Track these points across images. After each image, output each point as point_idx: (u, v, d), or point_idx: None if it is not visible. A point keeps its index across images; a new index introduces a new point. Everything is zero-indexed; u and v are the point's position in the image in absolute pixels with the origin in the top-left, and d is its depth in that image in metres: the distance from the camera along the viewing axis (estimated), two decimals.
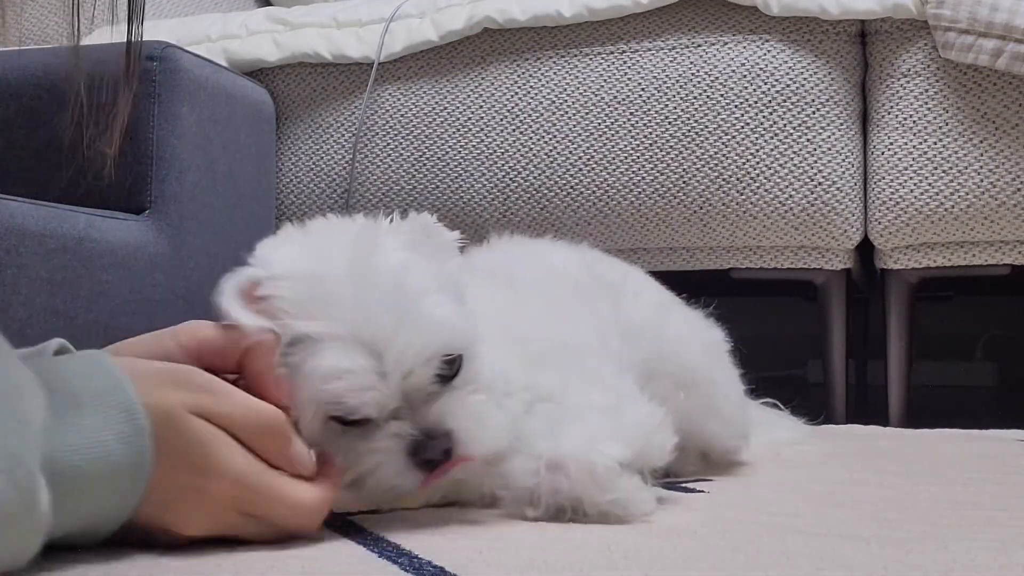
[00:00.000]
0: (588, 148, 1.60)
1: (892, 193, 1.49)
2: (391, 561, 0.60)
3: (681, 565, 0.60)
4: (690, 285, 1.10)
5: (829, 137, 1.50)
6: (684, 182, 1.55)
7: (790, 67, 1.52)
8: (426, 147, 1.69)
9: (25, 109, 1.48)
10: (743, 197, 1.53)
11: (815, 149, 1.50)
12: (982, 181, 1.45)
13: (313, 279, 0.66)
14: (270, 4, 2.33)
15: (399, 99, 1.71)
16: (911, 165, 1.48)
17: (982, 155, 1.45)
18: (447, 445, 0.66)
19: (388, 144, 1.71)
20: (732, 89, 1.54)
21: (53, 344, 0.68)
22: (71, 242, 1.28)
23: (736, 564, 0.61)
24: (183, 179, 1.49)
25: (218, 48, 1.76)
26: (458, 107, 1.68)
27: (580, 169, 1.60)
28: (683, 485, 0.91)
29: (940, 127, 1.47)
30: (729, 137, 1.53)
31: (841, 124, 1.51)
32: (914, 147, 1.48)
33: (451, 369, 0.68)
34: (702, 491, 0.88)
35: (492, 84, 1.66)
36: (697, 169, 1.55)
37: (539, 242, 1.05)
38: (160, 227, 1.44)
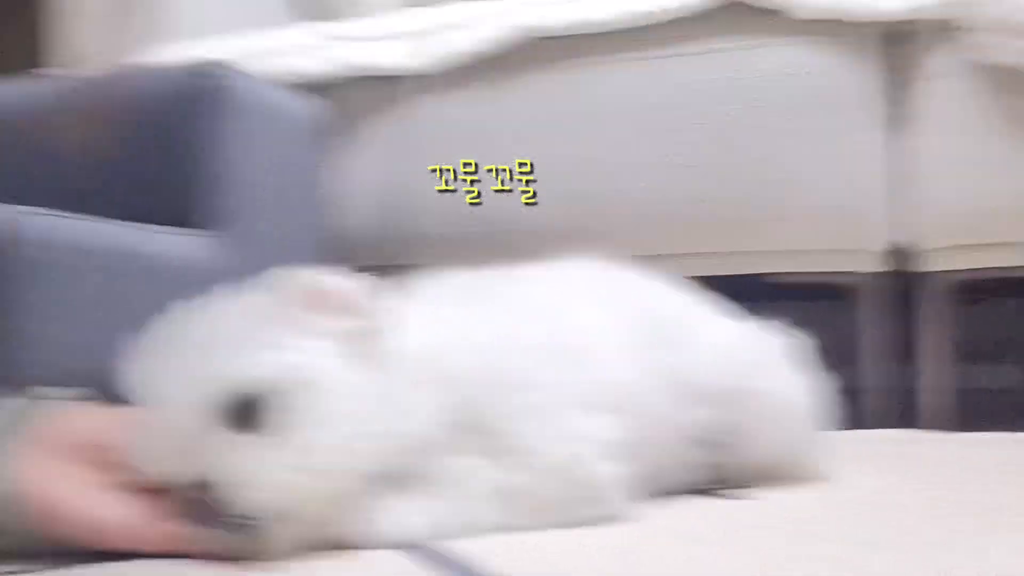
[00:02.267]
0: (625, 155, 1.62)
1: (928, 195, 1.50)
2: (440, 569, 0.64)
3: (699, 572, 0.63)
4: (720, 290, 1.11)
5: (861, 140, 1.52)
6: (719, 187, 1.57)
7: (820, 70, 1.53)
8: (471, 154, 1.71)
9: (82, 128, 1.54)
10: (776, 201, 1.55)
11: (847, 152, 1.52)
12: (1018, 181, 1.45)
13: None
14: (310, 21, 2.38)
15: (442, 110, 1.75)
16: (946, 167, 1.49)
17: (1018, 155, 1.45)
18: (215, 499, 0.65)
19: (433, 155, 1.74)
20: (767, 93, 1.55)
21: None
22: (132, 258, 1.33)
23: (750, 570, 0.64)
24: (237, 194, 1.53)
25: (268, 64, 1.81)
26: (499, 117, 1.70)
27: (619, 177, 1.62)
28: (717, 492, 0.93)
29: (973, 128, 1.47)
30: (764, 141, 1.55)
31: (872, 126, 1.52)
32: (948, 149, 1.49)
33: (252, 416, 0.66)
34: (723, 496, 0.91)
35: (532, 93, 1.69)
36: (732, 174, 1.57)
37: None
38: (216, 242, 1.49)
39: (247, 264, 1.55)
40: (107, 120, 1.51)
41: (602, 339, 0.85)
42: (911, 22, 1.51)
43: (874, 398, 1.60)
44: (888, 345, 1.61)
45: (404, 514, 0.71)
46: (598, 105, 1.65)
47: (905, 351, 1.61)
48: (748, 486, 0.95)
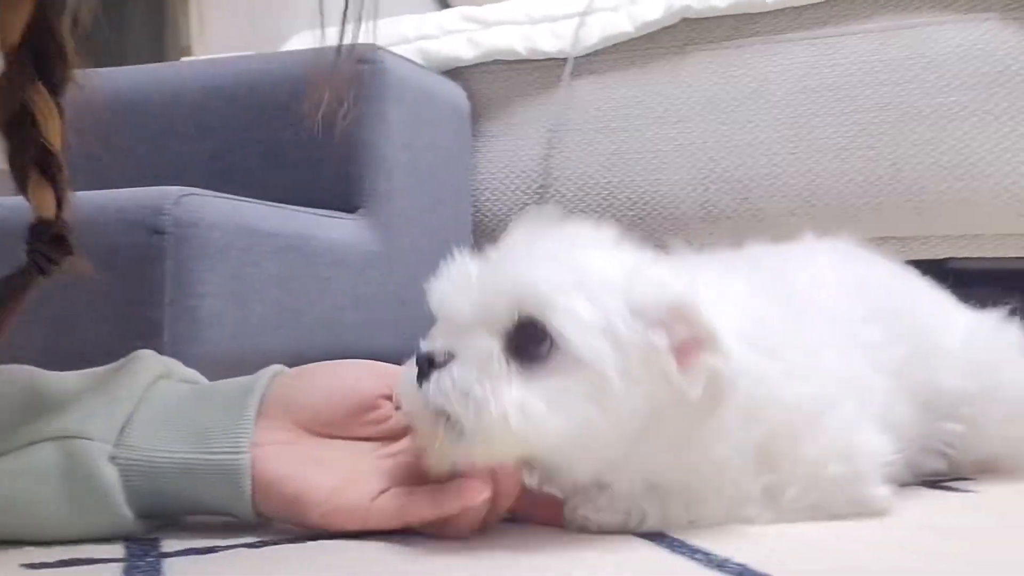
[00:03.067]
0: (793, 136, 1.56)
1: None
2: (688, 558, 0.60)
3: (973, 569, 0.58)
4: None
5: None
6: (897, 169, 1.50)
7: (1011, 46, 1.45)
8: (623, 140, 1.68)
9: (240, 112, 1.54)
10: (962, 183, 1.47)
11: None
12: None
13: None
14: (448, 6, 2.37)
15: (595, 93, 1.71)
16: None
17: None
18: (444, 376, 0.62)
19: (584, 138, 1.71)
20: (949, 71, 1.47)
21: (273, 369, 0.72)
22: (297, 240, 1.32)
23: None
24: (391, 178, 1.52)
25: (415, 49, 1.79)
26: (656, 99, 1.66)
27: (784, 158, 1.56)
28: (945, 484, 0.87)
29: None
30: (946, 121, 1.47)
31: None
32: None
33: (528, 343, 0.62)
34: (971, 491, 0.84)
35: (691, 74, 1.64)
36: (911, 155, 1.49)
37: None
38: (372, 225, 1.48)
39: (403, 247, 1.54)
40: (270, 104, 1.50)
41: (875, 350, 0.78)
42: None
43: None
44: None
45: (660, 508, 0.67)
46: (763, 86, 1.59)
47: None
48: (969, 478, 0.89)
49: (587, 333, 0.62)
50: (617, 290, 0.63)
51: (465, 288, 0.65)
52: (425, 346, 0.64)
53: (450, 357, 0.63)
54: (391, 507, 0.64)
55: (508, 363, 0.62)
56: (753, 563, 0.58)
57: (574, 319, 0.62)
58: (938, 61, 1.48)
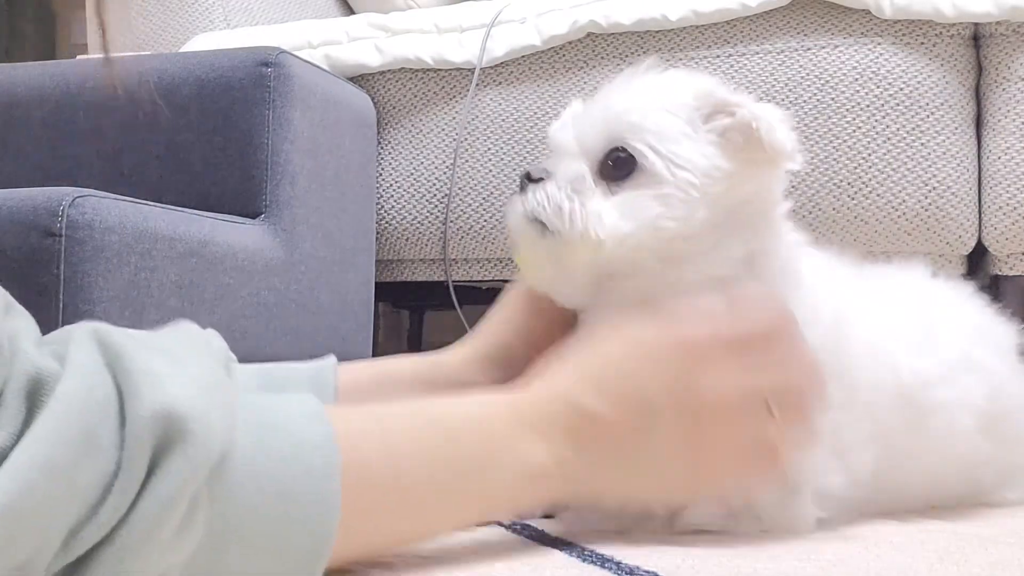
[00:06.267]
0: None
1: (1009, 198, 1.47)
2: (599, 566, 0.60)
3: (895, 574, 0.60)
4: None
5: (943, 142, 1.48)
6: (793, 187, 1.54)
7: (903, 70, 1.50)
8: (528, 152, 1.69)
9: (143, 114, 1.50)
10: (854, 202, 1.52)
11: (929, 154, 1.49)
12: None
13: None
14: (352, 12, 2.35)
15: (501, 104, 1.72)
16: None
17: None
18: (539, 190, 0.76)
19: (489, 149, 1.72)
20: (843, 93, 1.52)
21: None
22: (197, 246, 1.30)
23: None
24: (295, 184, 1.50)
25: (319, 54, 1.77)
26: (561, 110, 1.67)
27: None
28: None
29: None
30: (840, 141, 1.52)
31: (956, 129, 1.49)
32: None
33: (615, 165, 0.75)
34: None
35: (596, 88, 1.65)
36: (807, 174, 1.53)
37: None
38: (275, 231, 1.46)
39: (305, 254, 1.52)
40: (172, 105, 1.47)
41: None
42: (999, 23, 1.48)
43: None
44: None
45: None
46: None
47: None
48: None
49: (661, 147, 0.74)
50: (685, 105, 0.76)
51: (570, 124, 0.81)
52: (527, 167, 0.78)
53: (546, 175, 0.77)
54: None
55: (598, 183, 0.75)
56: (663, 571, 0.59)
57: (651, 138, 0.74)
58: (833, 83, 1.53)
